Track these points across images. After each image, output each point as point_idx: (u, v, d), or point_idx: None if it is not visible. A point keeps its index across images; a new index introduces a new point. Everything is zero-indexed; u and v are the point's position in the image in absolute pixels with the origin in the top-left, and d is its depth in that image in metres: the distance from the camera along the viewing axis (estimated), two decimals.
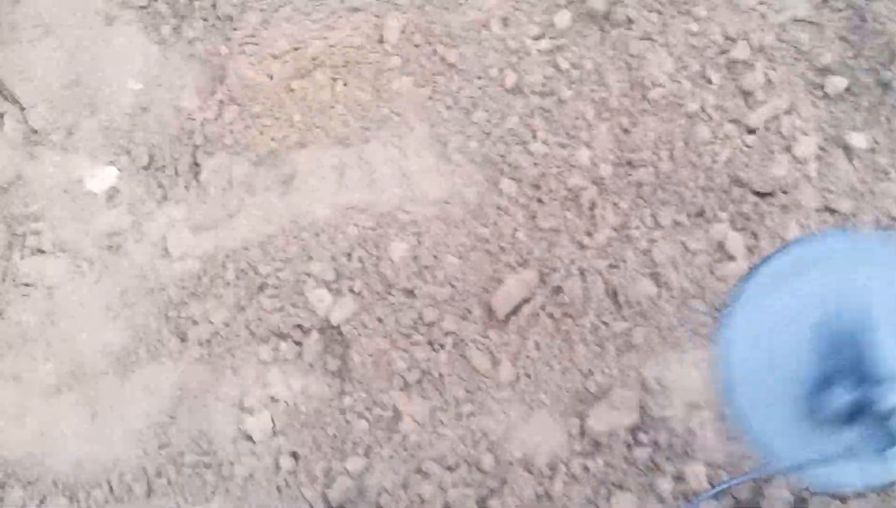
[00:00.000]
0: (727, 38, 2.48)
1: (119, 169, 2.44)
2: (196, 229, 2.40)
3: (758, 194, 2.32)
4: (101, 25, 2.54)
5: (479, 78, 2.49)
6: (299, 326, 2.33)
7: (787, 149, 2.35)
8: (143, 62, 2.53)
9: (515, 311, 2.29)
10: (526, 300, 2.28)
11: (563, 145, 2.41)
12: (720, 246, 2.28)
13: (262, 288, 2.35)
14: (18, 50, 2.52)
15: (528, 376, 2.24)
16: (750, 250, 2.27)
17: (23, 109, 2.47)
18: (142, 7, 2.59)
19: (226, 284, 2.35)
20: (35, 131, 2.48)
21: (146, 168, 2.46)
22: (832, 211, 2.30)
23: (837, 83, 2.40)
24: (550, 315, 2.26)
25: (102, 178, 2.42)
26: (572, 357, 2.22)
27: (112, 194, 2.43)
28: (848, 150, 2.36)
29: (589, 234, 2.31)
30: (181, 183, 2.44)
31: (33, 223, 2.40)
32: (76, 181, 2.44)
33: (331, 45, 2.49)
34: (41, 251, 2.38)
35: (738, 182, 2.33)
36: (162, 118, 2.49)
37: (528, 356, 2.24)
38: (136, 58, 2.53)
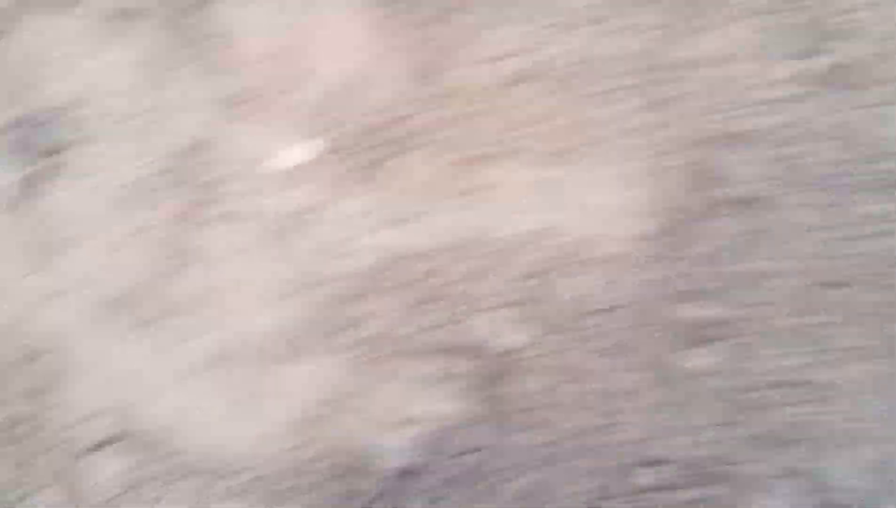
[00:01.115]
0: None
1: (310, 149, 2.36)
2: (378, 224, 2.34)
3: None
4: None
5: (695, 118, 2.34)
6: (463, 346, 2.17)
7: None
8: (352, 42, 2.48)
9: None
10: None
11: None
12: None
13: (431, 299, 2.22)
14: (232, 7, 2.47)
15: None
16: None
17: (227, 72, 2.41)
18: None
19: (397, 288, 2.25)
20: (234, 97, 2.41)
21: (336, 153, 2.38)
22: None
23: None
24: None
25: (294, 155, 2.35)
26: None
27: (300, 173, 2.36)
28: None
29: None
30: (368, 174, 2.37)
31: (215, 191, 2.33)
32: (266, 154, 2.37)
33: (550, 58, 2.39)
34: (217, 221, 2.31)
35: None
36: (361, 103, 2.43)
37: None
38: (346, 36, 2.47)
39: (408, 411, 2.19)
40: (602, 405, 2.19)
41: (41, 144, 2.46)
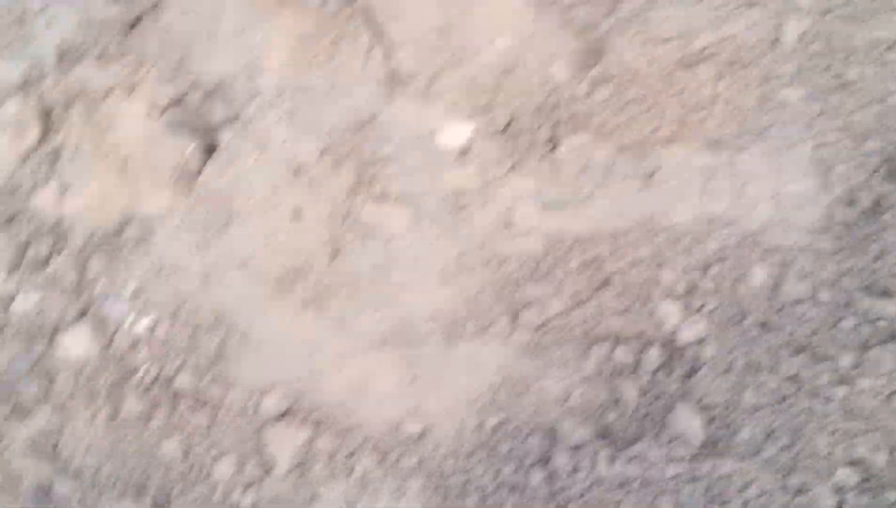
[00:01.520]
0: None
1: (476, 127, 2.34)
2: (545, 206, 2.32)
3: None
4: None
5: (878, 103, 2.27)
6: (640, 335, 2.13)
7: None
8: (515, 20, 2.45)
9: None
10: None
11: None
12: None
13: (606, 284, 2.19)
14: None
15: None
16: None
17: (390, 49, 2.41)
18: None
19: (568, 271, 2.22)
20: (397, 74, 2.41)
21: (503, 132, 2.39)
22: None
23: None
24: None
25: (457, 134, 2.36)
26: None
27: (464, 152, 2.37)
28: None
29: None
30: (536, 155, 2.36)
31: (381, 169, 2.32)
32: (430, 133, 2.39)
33: (721, 39, 2.34)
34: (385, 198, 2.31)
35: None
36: (528, 83, 2.42)
37: None
38: (509, 14, 2.45)
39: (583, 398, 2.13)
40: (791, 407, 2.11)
41: (206, 120, 2.46)
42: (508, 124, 2.39)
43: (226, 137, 2.46)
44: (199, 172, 2.43)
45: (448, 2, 2.49)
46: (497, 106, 2.41)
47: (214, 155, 2.44)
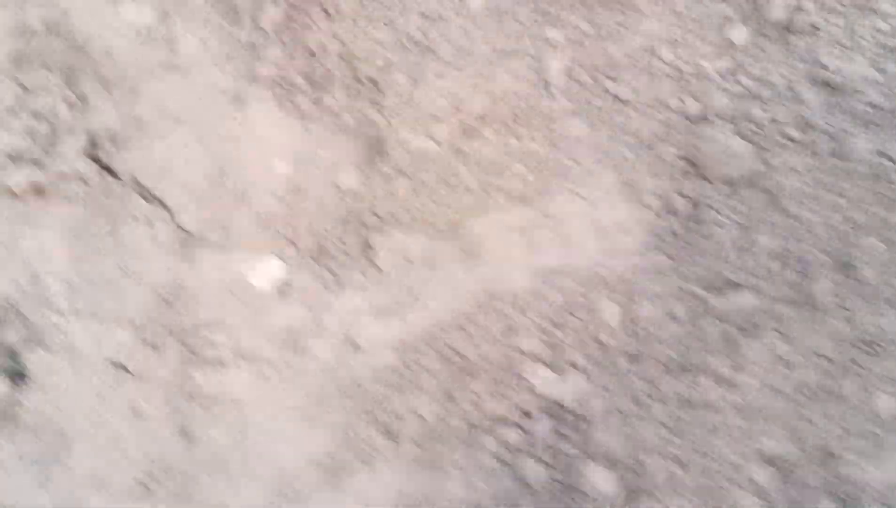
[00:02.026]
0: None
1: (284, 260, 2.23)
2: (381, 315, 2.23)
3: None
4: (232, 107, 2.36)
5: (658, 110, 2.32)
6: (522, 410, 2.07)
7: None
8: (287, 141, 2.36)
9: None
10: None
11: None
12: None
13: (470, 372, 2.12)
14: (151, 147, 2.36)
15: None
16: None
17: (171, 211, 2.27)
18: (273, 81, 2.41)
19: (429, 371, 2.12)
20: (189, 233, 2.27)
21: (314, 256, 2.27)
22: None
23: None
24: None
25: (268, 272, 2.21)
26: None
27: (282, 289, 2.26)
28: None
29: None
30: (356, 268, 2.27)
31: (206, 333, 2.19)
32: (241, 280, 2.23)
33: (495, 99, 2.33)
34: (220, 364, 2.16)
35: None
36: (321, 199, 2.33)
37: None
38: (279, 137, 2.36)
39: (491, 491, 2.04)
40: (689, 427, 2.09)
41: (4, 349, 2.25)
42: (318, 246, 2.28)
43: (32, 360, 2.23)
44: (16, 404, 2.18)
45: (211, 146, 2.37)
46: (299, 232, 2.32)
47: (25, 383, 2.21)
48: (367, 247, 2.31)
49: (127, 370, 2.28)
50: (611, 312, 2.19)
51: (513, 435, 2.14)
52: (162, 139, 2.41)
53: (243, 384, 2.25)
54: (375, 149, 2.39)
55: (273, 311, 2.29)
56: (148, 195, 2.38)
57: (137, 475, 2.21)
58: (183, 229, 2.35)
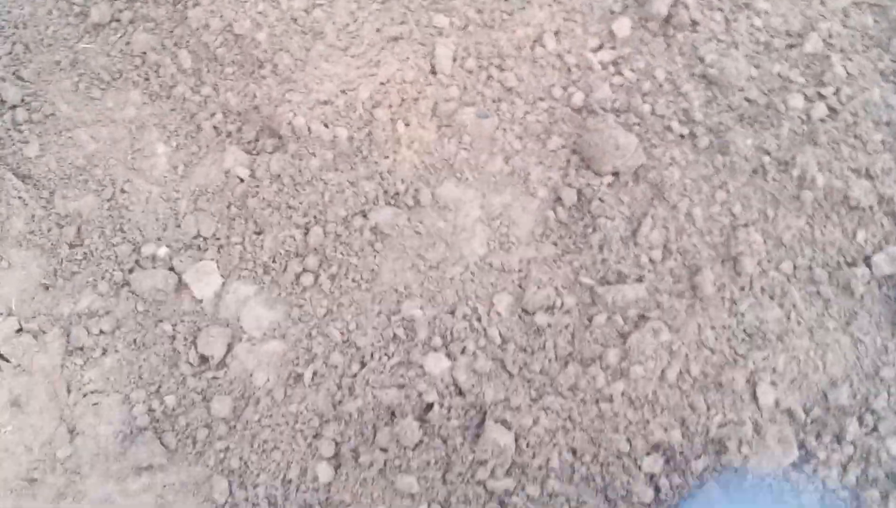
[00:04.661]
0: (793, 32, 2.50)
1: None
2: (271, 304, 2.21)
3: None
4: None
5: (543, 100, 2.40)
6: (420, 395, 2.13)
7: None
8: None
9: None
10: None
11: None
12: None
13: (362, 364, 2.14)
14: None
15: None
16: None
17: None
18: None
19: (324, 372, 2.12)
20: None
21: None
22: None
23: None
24: None
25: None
26: None
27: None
28: None
29: None
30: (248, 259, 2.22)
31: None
32: None
33: (383, 83, 2.35)
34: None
35: None
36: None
37: None
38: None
39: None
40: (582, 417, 2.16)
41: None
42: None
43: None
44: None
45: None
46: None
47: None
48: (256, 235, 2.28)
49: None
50: (505, 302, 2.24)
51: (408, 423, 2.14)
52: None
53: None
54: (262, 132, 2.36)
55: None
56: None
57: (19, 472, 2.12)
58: None
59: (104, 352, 2.27)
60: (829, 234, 2.33)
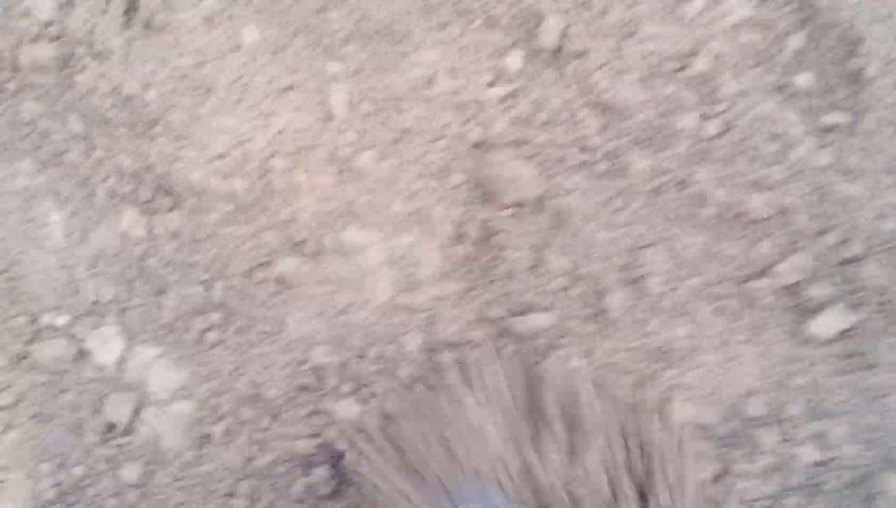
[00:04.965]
0: (683, 54, 2.55)
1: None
2: (177, 364, 2.17)
3: None
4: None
5: (441, 139, 2.42)
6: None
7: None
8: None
9: None
10: None
11: None
12: None
13: (274, 416, 2.11)
14: None
15: None
16: None
17: None
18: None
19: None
20: None
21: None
22: None
23: (804, 79, 2.53)
24: None
25: None
26: None
27: None
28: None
29: None
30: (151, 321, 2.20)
31: None
32: None
33: (278, 133, 2.35)
34: None
35: None
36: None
37: None
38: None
39: None
40: None
41: None
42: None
43: None
44: None
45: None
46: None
47: None
48: (158, 294, 2.26)
49: None
50: (413, 343, 2.23)
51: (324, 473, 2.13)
52: None
53: None
54: (159, 191, 2.35)
55: None
56: None
57: None
58: None
59: (6, 428, 2.22)
60: (730, 248, 2.35)
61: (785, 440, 2.25)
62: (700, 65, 2.51)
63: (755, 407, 2.26)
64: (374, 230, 2.38)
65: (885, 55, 2.47)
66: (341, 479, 2.19)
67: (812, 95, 2.51)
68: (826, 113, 2.49)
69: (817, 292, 2.33)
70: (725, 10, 2.53)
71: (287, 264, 2.32)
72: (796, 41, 2.54)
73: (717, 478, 2.22)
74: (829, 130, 2.48)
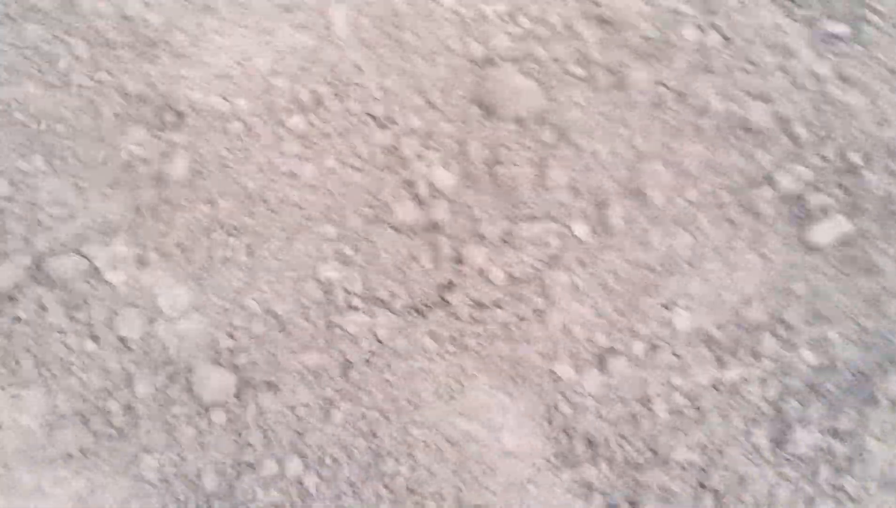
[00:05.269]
0: None
1: None
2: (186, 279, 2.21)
3: None
4: None
5: (442, 55, 2.43)
6: None
7: None
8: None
9: None
10: None
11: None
12: None
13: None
14: None
15: None
16: None
17: None
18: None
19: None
20: None
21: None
22: None
23: None
24: None
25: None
26: None
27: None
28: None
29: None
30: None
31: None
32: None
33: (280, 53, 2.36)
34: None
35: None
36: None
37: None
38: None
39: None
40: None
41: None
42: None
43: None
44: None
45: None
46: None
47: None
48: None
49: None
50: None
51: None
52: None
53: None
54: (162, 111, 2.37)
55: None
56: None
57: None
58: None
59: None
60: (731, 158, 2.38)
61: (785, 345, 2.28)
62: None
63: (756, 314, 2.29)
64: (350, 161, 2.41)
65: None
66: None
67: (811, 5, 2.52)
68: (825, 23, 2.50)
69: (817, 200, 2.36)
70: None
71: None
72: None
73: (717, 383, 2.26)
74: (828, 40, 2.49)
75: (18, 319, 2.27)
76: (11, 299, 2.29)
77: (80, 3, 2.47)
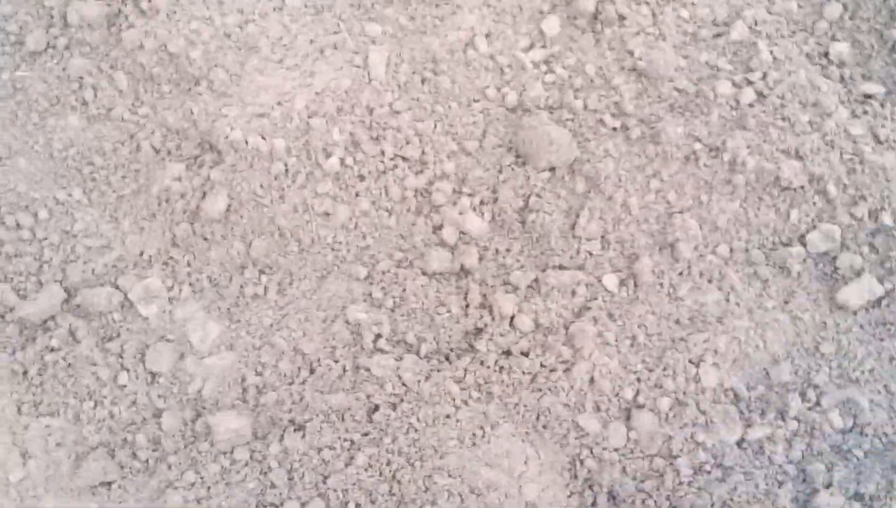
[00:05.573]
0: (720, 21, 2.56)
1: None
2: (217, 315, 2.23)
3: None
4: None
5: (477, 101, 2.45)
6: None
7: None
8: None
9: None
10: None
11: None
12: None
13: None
14: None
15: None
16: None
17: None
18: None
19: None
20: None
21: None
22: None
23: (840, 49, 2.55)
24: None
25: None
26: None
27: None
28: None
29: None
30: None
31: None
32: None
33: (318, 93, 2.40)
34: None
35: None
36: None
37: None
38: None
39: None
40: None
41: None
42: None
43: None
44: None
45: None
46: None
47: None
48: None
49: None
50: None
51: None
52: None
53: None
54: (200, 147, 2.40)
55: None
56: None
57: None
58: None
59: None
60: (763, 215, 2.38)
61: (812, 407, 2.28)
62: (736, 32, 2.52)
63: (784, 373, 2.29)
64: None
65: None
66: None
67: (847, 64, 2.53)
68: (861, 83, 2.51)
69: (847, 260, 2.36)
70: None
71: None
72: (833, 10, 2.55)
73: (742, 442, 2.26)
74: (863, 100, 2.50)
75: (51, 348, 2.31)
76: (45, 328, 2.32)
77: (124, 37, 2.51)
